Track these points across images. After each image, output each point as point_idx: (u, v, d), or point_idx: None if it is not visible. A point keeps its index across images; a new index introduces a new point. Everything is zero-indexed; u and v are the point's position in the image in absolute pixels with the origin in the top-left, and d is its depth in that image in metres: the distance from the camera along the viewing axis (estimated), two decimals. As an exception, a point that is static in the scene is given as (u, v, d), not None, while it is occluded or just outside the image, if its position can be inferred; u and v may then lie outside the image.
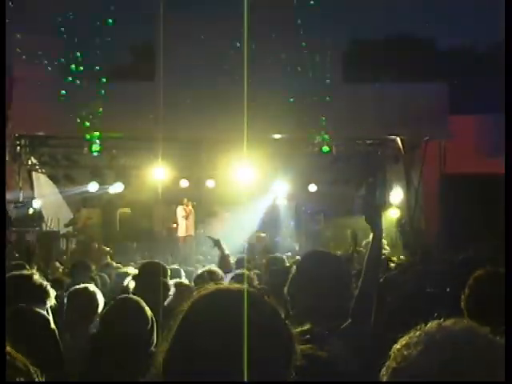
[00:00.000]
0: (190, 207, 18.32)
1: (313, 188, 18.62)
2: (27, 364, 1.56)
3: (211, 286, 1.69)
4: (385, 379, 1.42)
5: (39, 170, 18.61)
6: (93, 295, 5.06)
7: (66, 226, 17.88)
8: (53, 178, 18.24)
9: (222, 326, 1.55)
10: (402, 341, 1.43)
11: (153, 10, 15.44)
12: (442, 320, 1.45)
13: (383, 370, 1.44)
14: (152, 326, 3.60)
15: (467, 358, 1.33)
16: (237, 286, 1.71)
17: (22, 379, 1.52)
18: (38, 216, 17.18)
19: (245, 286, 1.69)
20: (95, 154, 16.23)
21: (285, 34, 15.89)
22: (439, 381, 1.31)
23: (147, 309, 3.69)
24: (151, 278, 5.29)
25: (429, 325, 1.44)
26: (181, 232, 18.24)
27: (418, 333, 1.42)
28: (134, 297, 3.97)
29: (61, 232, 17.48)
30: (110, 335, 3.47)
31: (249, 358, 1.49)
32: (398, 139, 17.65)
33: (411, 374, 1.35)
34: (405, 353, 1.39)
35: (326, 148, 16.16)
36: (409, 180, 18.13)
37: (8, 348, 1.54)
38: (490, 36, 30.03)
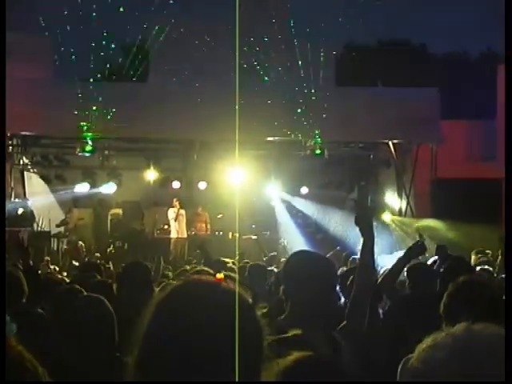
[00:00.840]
0: (179, 208, 18.29)
1: (305, 191, 18.66)
2: (36, 364, 1.56)
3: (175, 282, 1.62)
4: (405, 378, 1.41)
5: (31, 170, 18.58)
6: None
7: (58, 226, 17.85)
8: (44, 178, 18.22)
9: (187, 320, 1.50)
10: (428, 341, 1.40)
11: (145, 11, 15.46)
12: (469, 323, 1.41)
13: (402, 368, 1.43)
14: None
15: (494, 364, 1.31)
16: (205, 278, 1.65)
17: (29, 379, 1.52)
18: (30, 216, 17.15)
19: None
20: (87, 154, 16.21)
21: (277, 37, 15.94)
22: None
23: None
24: (134, 278, 5.26)
25: (456, 327, 1.41)
26: (173, 234, 18.22)
27: (444, 334, 1.39)
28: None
29: (52, 232, 17.45)
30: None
31: (219, 354, 1.46)
32: (390, 143, 17.74)
33: (434, 375, 1.33)
34: (430, 354, 1.36)
35: (318, 151, 16.21)
36: (400, 184, 18.22)
37: (19, 347, 1.54)
38: (481, 43, 30.24)
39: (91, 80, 15.80)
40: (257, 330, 1.55)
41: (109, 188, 17.82)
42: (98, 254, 16.12)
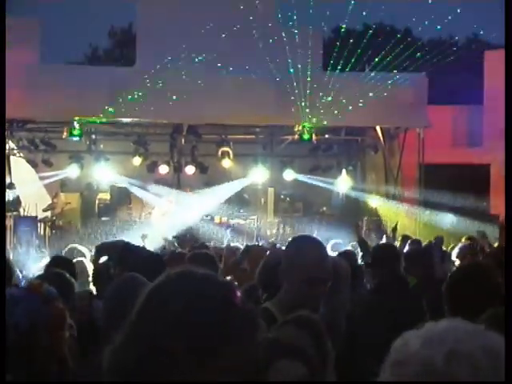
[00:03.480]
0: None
1: (292, 175, 18.67)
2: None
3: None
4: (385, 377, 1.37)
5: (17, 155, 18.48)
6: None
7: (45, 210, 17.78)
8: (31, 163, 18.13)
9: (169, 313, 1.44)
10: (400, 339, 1.39)
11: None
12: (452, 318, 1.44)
13: (382, 369, 1.39)
14: None
15: (470, 347, 1.31)
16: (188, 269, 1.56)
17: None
18: (16, 201, 17.06)
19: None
20: (75, 138, 16.14)
21: (264, 22, 15.90)
22: (443, 372, 1.30)
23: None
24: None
25: (426, 324, 1.41)
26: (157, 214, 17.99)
27: (415, 330, 1.39)
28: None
29: (39, 217, 17.38)
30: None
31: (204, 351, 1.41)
32: (378, 128, 17.80)
33: (414, 367, 1.32)
34: (405, 348, 1.36)
35: (306, 136, 16.23)
36: (388, 169, 18.30)
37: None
38: (468, 28, 30.30)
39: (78, 64, 15.71)
40: (251, 326, 1.50)
41: (72, 171, 17.61)
42: None
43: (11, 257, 8.46)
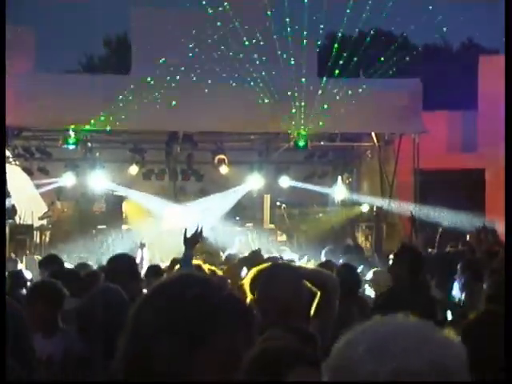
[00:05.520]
0: None
1: (288, 182, 18.70)
2: None
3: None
4: (325, 378, 1.35)
5: (13, 163, 18.47)
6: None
7: (40, 218, 17.77)
8: (27, 171, 18.12)
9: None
10: (344, 342, 1.36)
11: (127, 3, 15.40)
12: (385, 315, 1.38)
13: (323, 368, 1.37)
14: None
15: (418, 364, 1.27)
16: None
17: None
18: (11, 209, 17.04)
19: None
20: (70, 146, 16.14)
21: (258, 29, 15.93)
22: (387, 381, 1.26)
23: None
24: (120, 268, 5.29)
25: (371, 321, 1.38)
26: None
27: (360, 329, 1.36)
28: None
29: (35, 225, 17.36)
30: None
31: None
32: (373, 134, 17.83)
33: (357, 377, 1.28)
34: (348, 354, 1.32)
35: (301, 143, 16.23)
36: (383, 175, 18.32)
37: None
38: (462, 34, 30.40)
39: (74, 72, 15.73)
40: (237, 315, 1.56)
41: (68, 179, 17.61)
42: None
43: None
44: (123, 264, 5.39)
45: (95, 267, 8.79)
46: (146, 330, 1.51)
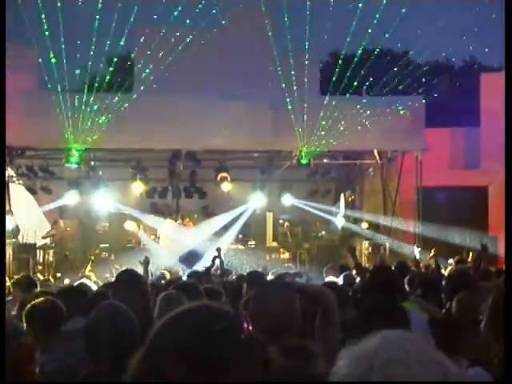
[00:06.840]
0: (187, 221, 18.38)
1: (290, 200, 18.69)
2: None
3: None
4: None
5: (16, 182, 18.49)
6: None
7: (44, 237, 17.75)
8: (30, 190, 18.13)
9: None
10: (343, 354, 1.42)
11: (130, 23, 15.48)
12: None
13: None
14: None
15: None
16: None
17: None
18: (15, 228, 17.02)
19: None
20: (73, 165, 16.17)
21: (261, 47, 16.01)
22: None
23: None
24: (128, 284, 5.29)
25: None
26: (162, 242, 18.02)
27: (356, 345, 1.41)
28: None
29: (38, 244, 17.35)
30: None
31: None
32: (376, 151, 17.84)
33: None
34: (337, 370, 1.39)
35: (304, 161, 16.24)
36: (386, 192, 18.31)
37: None
38: (464, 52, 30.52)
39: (77, 91, 15.79)
40: (251, 355, 1.57)
41: (71, 198, 17.61)
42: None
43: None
44: (130, 280, 5.39)
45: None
46: (163, 354, 1.53)
